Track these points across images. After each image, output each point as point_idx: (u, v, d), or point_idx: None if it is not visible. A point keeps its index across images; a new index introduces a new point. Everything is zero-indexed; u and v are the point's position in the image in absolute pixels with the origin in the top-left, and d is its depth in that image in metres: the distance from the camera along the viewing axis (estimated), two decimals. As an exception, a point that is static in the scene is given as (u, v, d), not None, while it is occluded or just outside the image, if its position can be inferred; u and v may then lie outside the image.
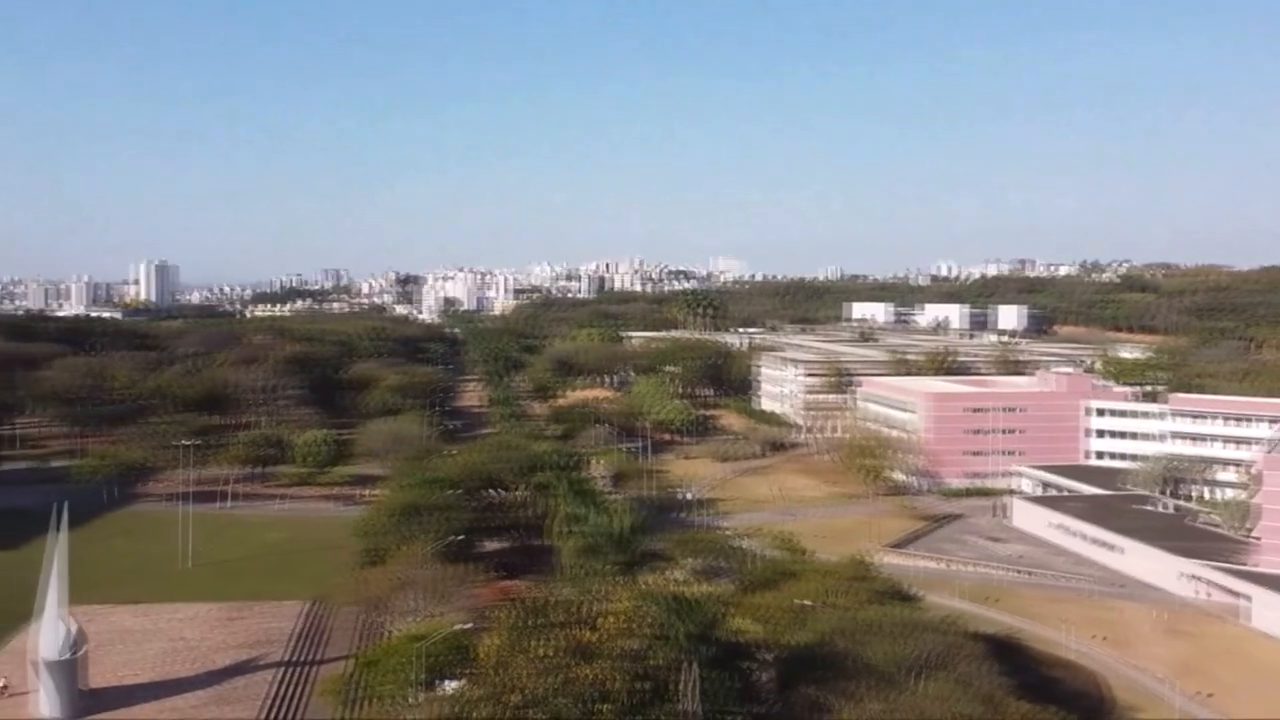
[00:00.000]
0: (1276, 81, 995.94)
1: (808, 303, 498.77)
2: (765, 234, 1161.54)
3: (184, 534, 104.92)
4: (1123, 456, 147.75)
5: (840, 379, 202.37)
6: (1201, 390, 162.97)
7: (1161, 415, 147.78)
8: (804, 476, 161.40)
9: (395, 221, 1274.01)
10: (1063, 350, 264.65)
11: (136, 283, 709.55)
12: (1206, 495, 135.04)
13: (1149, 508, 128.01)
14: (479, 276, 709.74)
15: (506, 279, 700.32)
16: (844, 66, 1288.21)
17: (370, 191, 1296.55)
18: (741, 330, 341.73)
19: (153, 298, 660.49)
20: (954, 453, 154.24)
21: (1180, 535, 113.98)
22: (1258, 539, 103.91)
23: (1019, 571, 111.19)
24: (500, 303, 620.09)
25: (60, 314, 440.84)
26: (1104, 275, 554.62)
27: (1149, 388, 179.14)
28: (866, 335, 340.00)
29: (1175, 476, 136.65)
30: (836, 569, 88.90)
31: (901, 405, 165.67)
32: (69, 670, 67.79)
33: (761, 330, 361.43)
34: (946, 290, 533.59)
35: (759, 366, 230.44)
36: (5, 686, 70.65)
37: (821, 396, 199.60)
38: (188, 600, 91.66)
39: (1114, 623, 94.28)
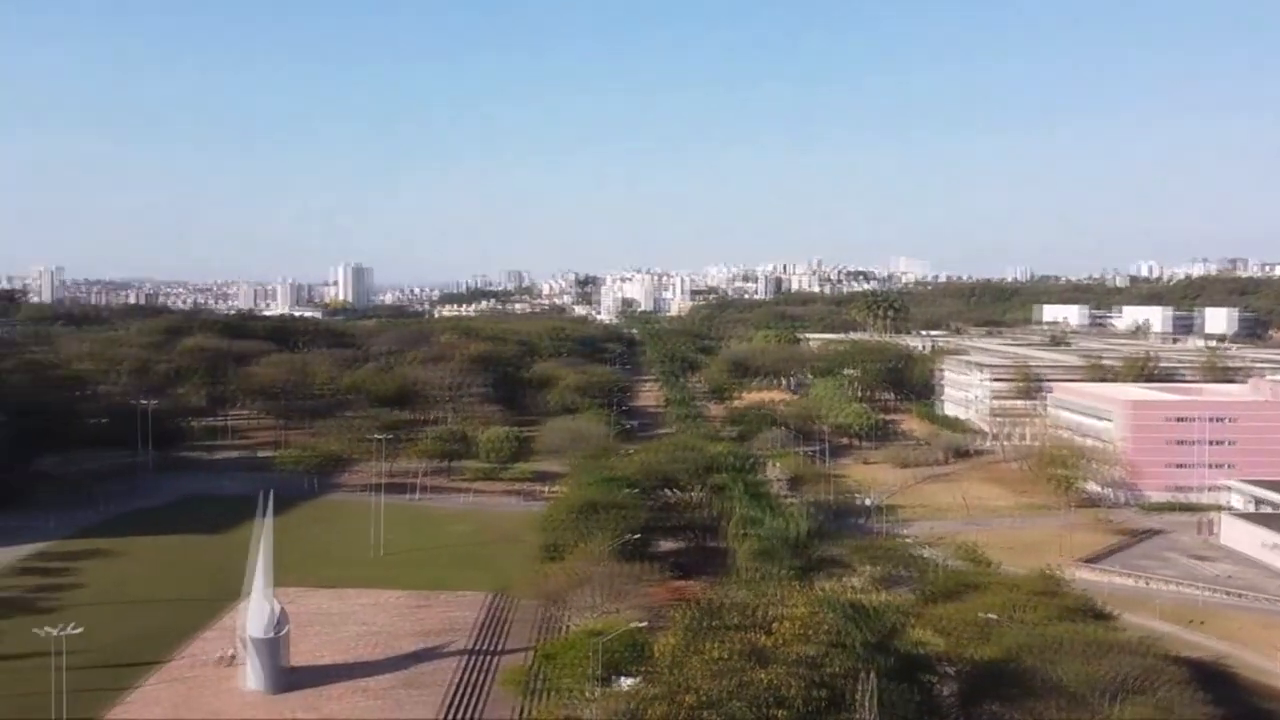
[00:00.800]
0: None
1: (994, 305, 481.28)
2: (950, 233, 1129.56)
3: (376, 524, 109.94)
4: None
5: (1030, 384, 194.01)
6: None
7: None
8: (990, 485, 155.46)
9: (575, 225, 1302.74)
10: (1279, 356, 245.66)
11: (335, 284, 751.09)
12: None
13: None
14: (656, 278, 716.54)
15: (683, 280, 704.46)
16: (1031, 54, 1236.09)
17: (552, 195, 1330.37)
18: (924, 333, 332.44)
19: (350, 298, 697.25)
20: (1155, 464, 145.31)
21: None
22: None
23: (1227, 593, 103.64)
24: (677, 304, 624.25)
25: (267, 313, 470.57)
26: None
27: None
28: (1059, 339, 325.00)
29: None
30: (1024, 582, 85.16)
31: (1097, 413, 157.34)
32: (273, 648, 72.07)
33: (945, 333, 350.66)
34: (1147, 292, 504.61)
35: (942, 370, 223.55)
36: (233, 656, 75.56)
37: (1010, 402, 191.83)
38: (379, 587, 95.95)
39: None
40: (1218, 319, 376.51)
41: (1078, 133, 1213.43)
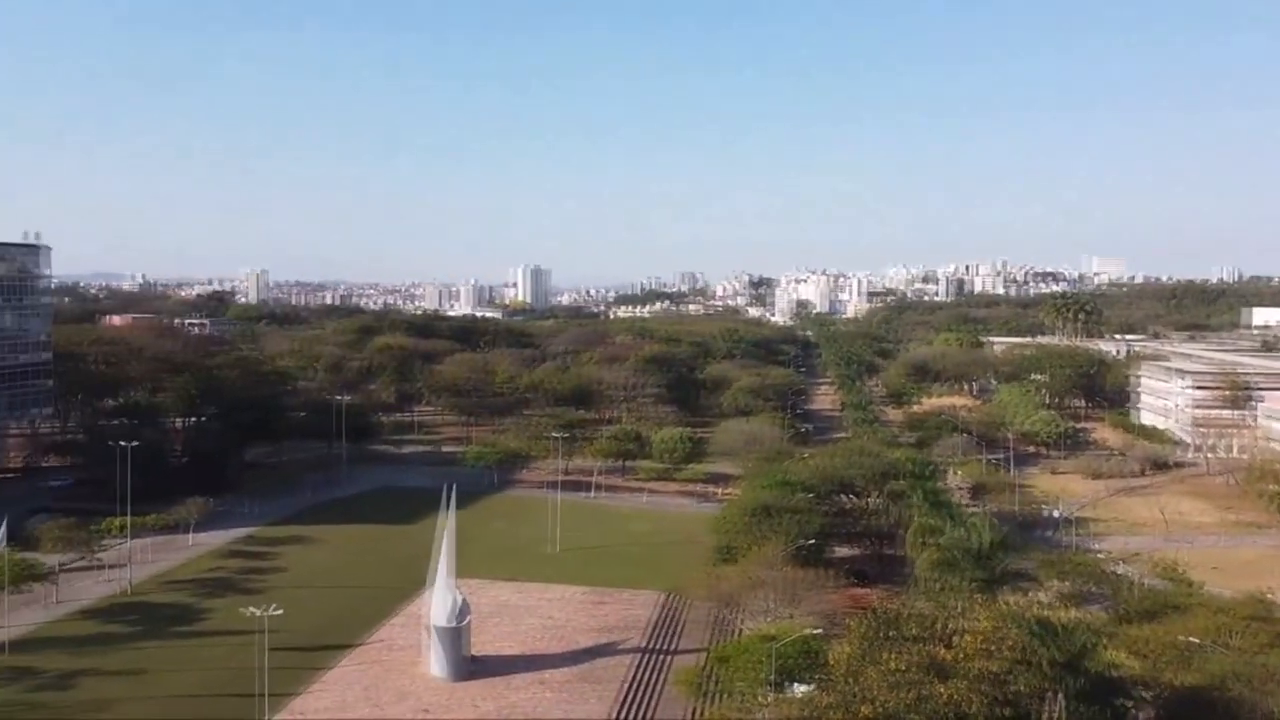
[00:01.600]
0: None
1: (1198, 307, 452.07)
2: (1149, 230, 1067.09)
3: (554, 520, 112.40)
4: None
5: (1238, 393, 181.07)
6: None
7: None
8: (1193, 500, 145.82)
9: (749, 226, 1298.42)
10: None
11: (515, 285, 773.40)
12: None
13: None
14: (832, 279, 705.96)
15: (860, 281, 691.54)
16: (1249, 24, 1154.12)
17: (725, 197, 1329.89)
18: (1119, 337, 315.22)
19: (529, 299, 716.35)
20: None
21: None
22: None
23: None
24: (853, 305, 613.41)
25: (451, 314, 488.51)
26: None
27: None
28: (1271, 345, 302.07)
29: None
30: (1232, 606, 79.27)
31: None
32: (456, 637, 74.65)
33: (1143, 337, 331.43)
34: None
35: (1139, 377, 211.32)
36: None
37: (1215, 412, 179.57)
38: (557, 582, 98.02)
39: None
40: None
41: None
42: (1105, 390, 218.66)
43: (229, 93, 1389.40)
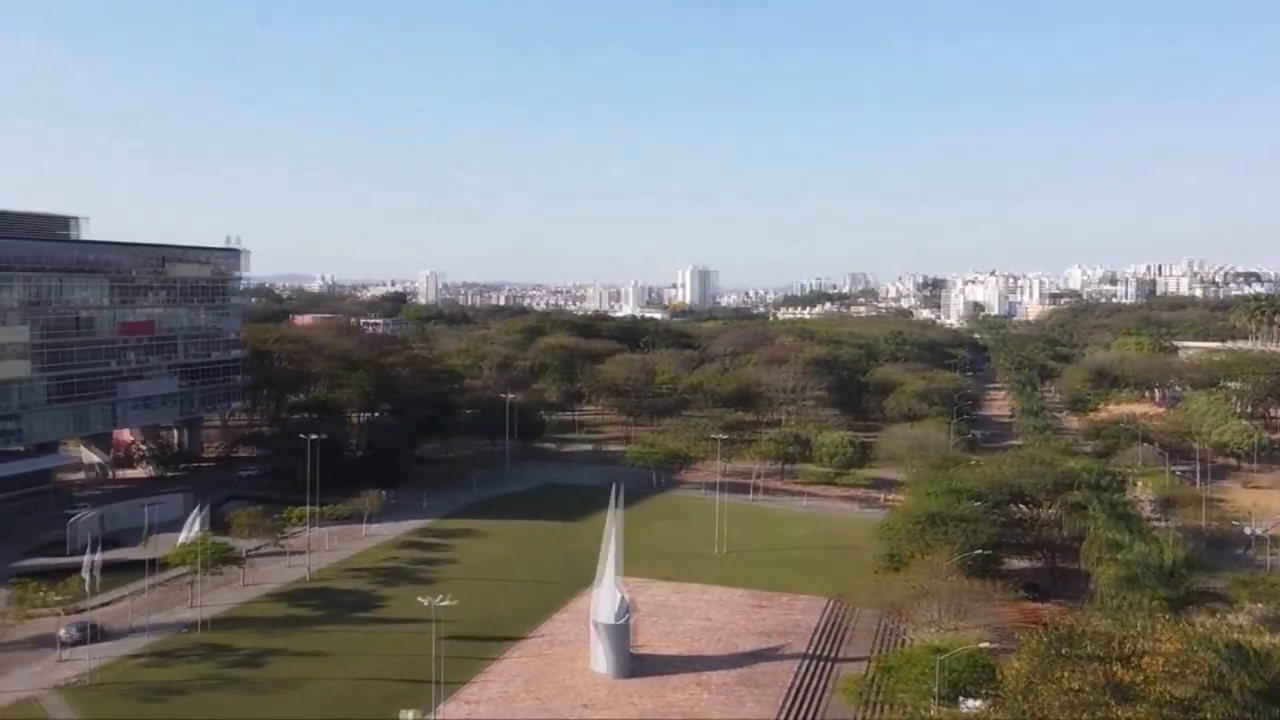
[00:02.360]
0: None
1: None
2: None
3: (717, 521, 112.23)
4: None
5: None
6: None
7: None
8: None
9: (920, 226, 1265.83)
10: None
11: (679, 287, 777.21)
12: None
13: None
14: (1007, 281, 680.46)
15: (1037, 283, 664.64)
16: None
17: (896, 197, 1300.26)
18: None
19: (693, 300, 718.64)
20: None
21: None
22: None
23: None
24: (1030, 308, 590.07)
25: (615, 315, 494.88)
26: None
27: None
28: None
29: None
30: None
31: None
32: (621, 634, 75.47)
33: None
34: None
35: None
36: None
37: None
38: (719, 584, 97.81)
39: None
40: None
41: None
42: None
43: (411, 112, 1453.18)
